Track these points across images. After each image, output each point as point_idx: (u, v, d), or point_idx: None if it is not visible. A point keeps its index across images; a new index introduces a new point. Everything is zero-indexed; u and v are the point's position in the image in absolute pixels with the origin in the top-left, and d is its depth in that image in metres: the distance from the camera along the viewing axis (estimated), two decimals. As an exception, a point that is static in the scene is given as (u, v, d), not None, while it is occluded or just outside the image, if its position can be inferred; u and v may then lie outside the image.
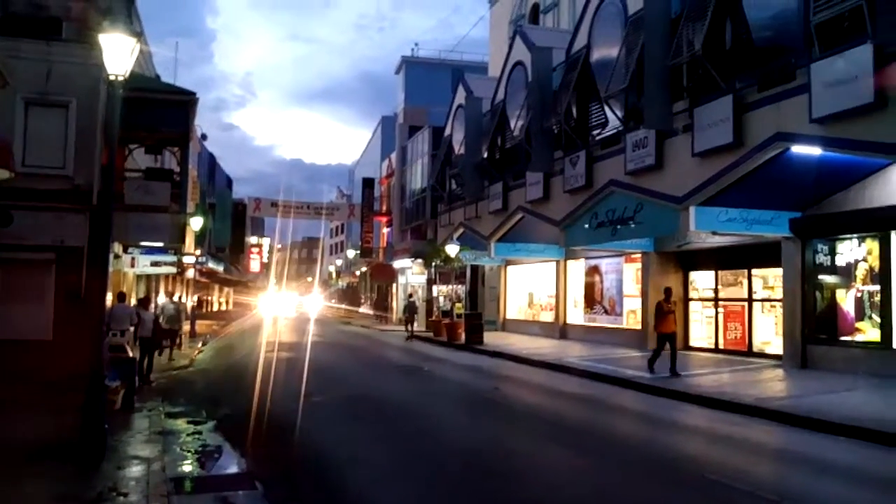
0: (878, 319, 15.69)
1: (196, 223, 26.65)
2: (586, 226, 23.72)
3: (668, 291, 17.34)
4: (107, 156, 9.76)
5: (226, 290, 70.23)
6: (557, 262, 29.02)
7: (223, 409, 12.79)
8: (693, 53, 17.80)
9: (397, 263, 49.26)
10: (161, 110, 18.74)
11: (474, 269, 35.99)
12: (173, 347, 21.80)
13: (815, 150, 15.07)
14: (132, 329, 15.17)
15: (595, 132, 24.35)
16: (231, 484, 8.07)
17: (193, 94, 19.41)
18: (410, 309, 35.78)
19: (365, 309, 60.38)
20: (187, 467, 8.90)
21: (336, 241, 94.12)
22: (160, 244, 20.85)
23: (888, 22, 12.59)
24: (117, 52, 8.62)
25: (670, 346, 16.35)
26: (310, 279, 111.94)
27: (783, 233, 17.42)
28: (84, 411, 8.50)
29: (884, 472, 8.79)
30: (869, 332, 16.00)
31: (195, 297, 43.55)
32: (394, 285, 52.69)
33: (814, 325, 17.22)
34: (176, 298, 30.58)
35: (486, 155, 32.70)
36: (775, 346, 19.07)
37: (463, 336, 27.83)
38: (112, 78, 8.77)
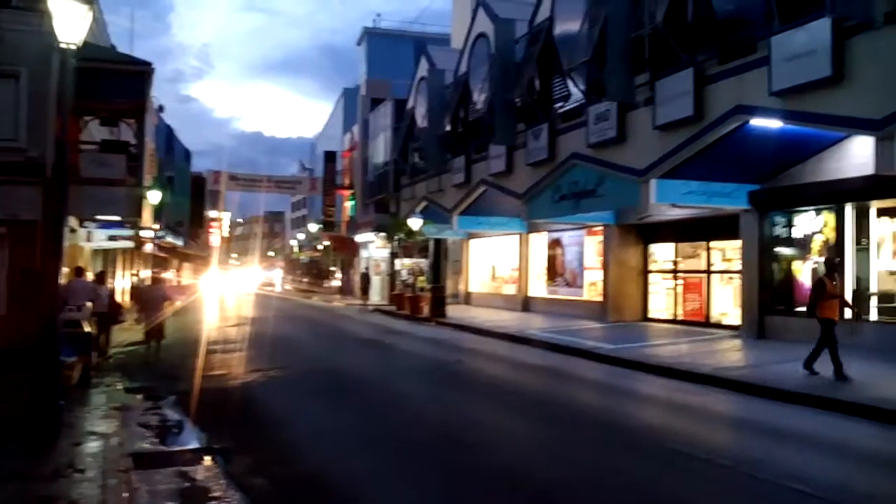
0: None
1: (154, 197, 26.13)
2: (549, 199, 23.78)
3: (830, 264, 13.30)
4: (60, 127, 9.49)
5: (185, 265, 69.37)
6: (520, 235, 29.12)
7: (183, 384, 12.63)
8: (655, 26, 17.83)
9: (360, 237, 49.01)
10: (116, 81, 18.28)
11: (437, 242, 35.93)
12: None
13: (774, 123, 15.20)
14: (90, 304, 14.89)
15: (558, 105, 24.34)
16: (191, 458, 7.96)
17: (149, 64, 18.97)
18: (364, 280, 39.38)
19: (328, 283, 60.15)
20: (146, 442, 8.77)
21: (298, 215, 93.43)
22: (117, 218, 20.46)
23: (846, -5, 12.70)
24: (68, 20, 8.34)
25: (824, 337, 12.21)
26: (271, 254, 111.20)
27: (742, 205, 17.68)
28: (37, 387, 8.33)
29: (835, 438, 8.99)
30: (824, 302, 16.29)
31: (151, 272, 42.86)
32: (356, 259, 52.47)
33: (771, 296, 17.53)
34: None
35: (448, 128, 32.56)
36: (733, 316, 19.40)
37: (426, 309, 27.85)
38: (64, 46, 8.50)
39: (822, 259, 16.31)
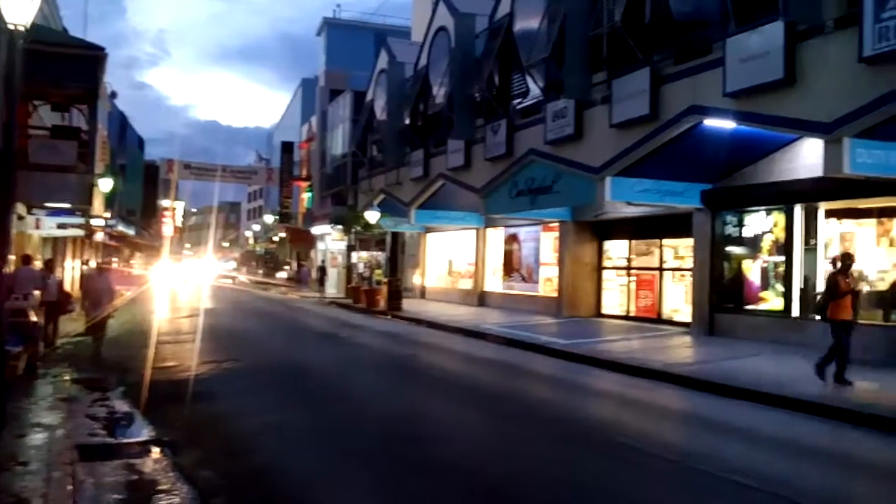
0: (782, 289, 16.36)
1: (105, 184, 25.63)
2: (506, 194, 23.89)
3: (846, 259, 11.95)
4: (8, 111, 9.25)
5: (137, 254, 68.21)
6: (477, 229, 29.22)
7: (133, 375, 12.44)
8: (613, 25, 17.98)
9: (317, 229, 48.70)
10: (68, 65, 17.93)
11: (394, 235, 35.90)
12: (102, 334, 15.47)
13: (727, 124, 15.46)
14: (37, 293, 14.55)
15: (516, 101, 24.42)
16: (139, 450, 7.85)
17: (103, 49, 18.63)
18: (322, 272, 40.22)
19: (282, 274, 59.71)
20: (93, 434, 8.61)
21: (254, 206, 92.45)
22: (67, 205, 20.03)
23: (798, 0, 12.93)
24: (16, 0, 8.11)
25: (840, 341, 11.49)
26: (226, 244, 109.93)
27: (694, 204, 17.97)
28: (-19, 377, 8.13)
29: (782, 433, 9.19)
30: (773, 301, 16.68)
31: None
32: (312, 251, 52.13)
33: (721, 294, 17.85)
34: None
35: (408, 121, 32.47)
36: (684, 313, 19.72)
37: (382, 303, 27.83)
38: (11, 28, 8.28)
39: (769, 258, 16.69)
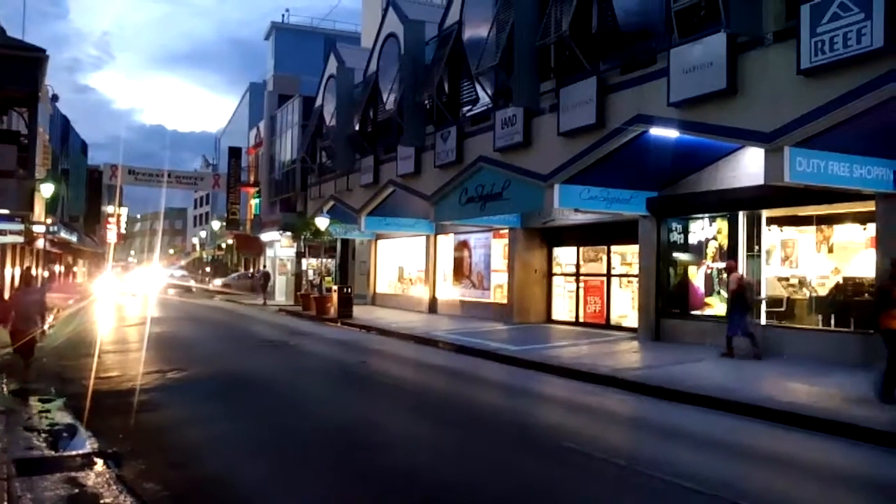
0: (726, 295, 16.68)
1: (47, 190, 25.06)
2: (456, 201, 23.96)
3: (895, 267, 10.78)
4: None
5: (80, 261, 66.69)
6: (427, 236, 29.25)
7: (75, 386, 12.18)
8: (560, 34, 18.17)
9: (265, 236, 48.19)
10: (6, 67, 17.57)
11: (344, 242, 35.76)
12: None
13: (672, 133, 15.73)
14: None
15: (466, 108, 24.55)
16: (81, 463, 7.67)
17: (43, 51, 18.24)
18: (265, 278, 40.26)
19: (218, 281, 58.84)
20: (33, 447, 8.39)
21: (201, 212, 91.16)
22: (6, 211, 19.52)
23: (739, 12, 13.23)
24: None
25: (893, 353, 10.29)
26: (171, 252, 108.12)
27: (640, 211, 18.28)
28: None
29: (724, 436, 9.39)
30: (717, 306, 17.02)
31: (45, 271, 41.05)
32: (261, 258, 51.58)
33: (667, 299, 18.17)
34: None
35: (357, 127, 32.36)
36: (631, 319, 20.02)
37: (332, 310, 27.66)
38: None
39: (714, 264, 17.03)
